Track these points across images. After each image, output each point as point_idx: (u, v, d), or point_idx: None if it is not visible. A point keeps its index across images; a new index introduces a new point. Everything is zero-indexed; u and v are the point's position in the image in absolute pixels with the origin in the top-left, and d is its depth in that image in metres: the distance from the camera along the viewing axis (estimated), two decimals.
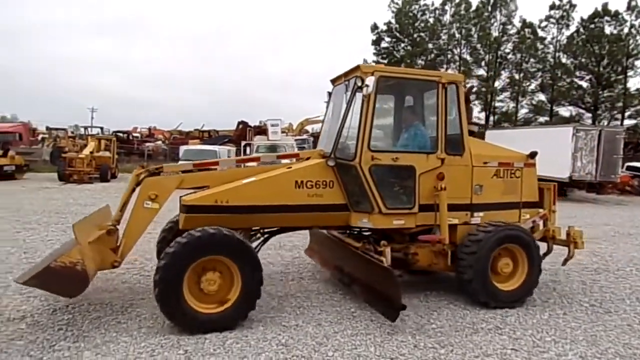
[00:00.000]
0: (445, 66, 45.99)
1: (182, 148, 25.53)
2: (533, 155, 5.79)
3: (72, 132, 36.43)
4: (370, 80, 4.69)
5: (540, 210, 5.83)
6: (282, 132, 26.28)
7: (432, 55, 46.30)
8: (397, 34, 47.00)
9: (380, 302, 4.58)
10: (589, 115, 43.32)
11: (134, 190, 4.73)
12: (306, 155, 5.41)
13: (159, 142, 39.59)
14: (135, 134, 41.53)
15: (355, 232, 5.53)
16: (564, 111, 44.84)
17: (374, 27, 47.24)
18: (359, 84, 4.88)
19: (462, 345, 4.12)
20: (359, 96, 4.90)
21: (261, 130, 31.79)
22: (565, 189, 19.81)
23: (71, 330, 4.14)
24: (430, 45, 46.36)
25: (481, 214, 5.39)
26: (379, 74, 4.93)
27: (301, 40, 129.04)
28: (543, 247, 5.65)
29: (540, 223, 5.85)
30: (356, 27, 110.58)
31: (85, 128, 40.02)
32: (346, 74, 5.36)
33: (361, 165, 4.84)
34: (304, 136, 31.86)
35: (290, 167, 5.08)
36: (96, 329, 4.20)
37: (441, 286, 5.76)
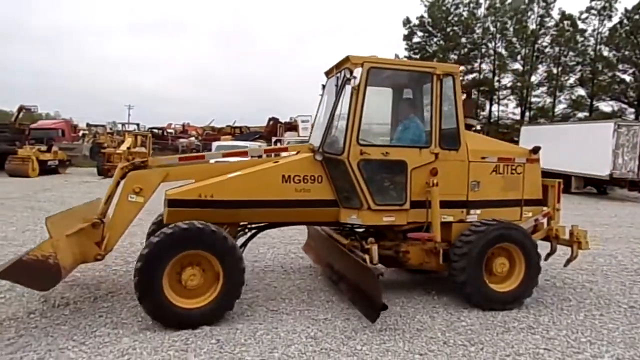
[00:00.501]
0: (479, 60, 44.95)
1: (215, 144, 25.98)
2: (536, 150, 5.55)
3: (111, 129, 37.77)
4: (357, 72, 4.57)
5: (544, 208, 5.56)
6: None
7: (466, 50, 45.30)
8: (430, 29, 46.15)
9: (362, 302, 4.47)
10: (632, 110, 41.39)
11: (119, 183, 4.69)
12: (296, 149, 5.26)
13: (192, 138, 40.44)
14: (169, 130, 42.61)
15: (348, 229, 5.38)
16: (605, 106, 42.90)
17: (406, 22, 46.54)
18: (348, 75, 4.73)
19: (493, 344, 4.07)
20: (348, 88, 4.76)
21: (292, 126, 32.05)
22: (605, 187, 19.07)
23: (110, 317, 4.37)
24: (463, 40, 45.33)
25: (478, 211, 5.19)
26: (369, 65, 4.78)
27: (334, 36, 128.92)
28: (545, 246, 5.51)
29: (544, 222, 5.60)
30: (388, 22, 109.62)
31: (123, 125, 41.46)
32: (337, 66, 5.19)
33: (349, 160, 4.71)
34: None
35: (278, 162, 4.98)
36: (133, 317, 4.38)
37: None
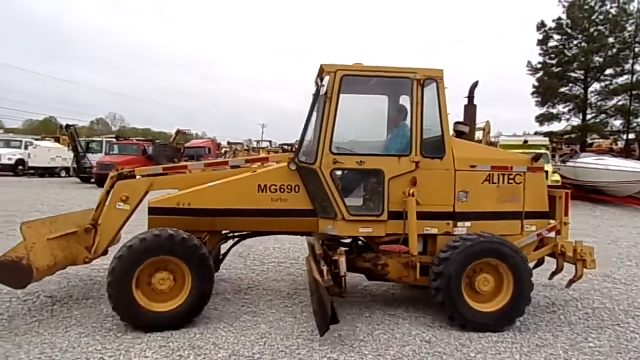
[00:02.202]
0: (631, 61, 39.64)
1: None
2: (537, 158, 5.07)
3: (247, 146, 41.59)
4: (325, 80, 4.58)
5: (552, 222, 5.04)
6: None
7: (614, 51, 40.31)
8: (569, 31, 42.14)
9: (318, 314, 4.30)
10: None
11: (109, 192, 4.95)
12: (277, 159, 5.25)
13: None
14: None
15: (333, 240, 5.19)
16: None
17: (541, 26, 43.21)
18: (319, 83, 4.72)
19: None
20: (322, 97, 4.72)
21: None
22: None
23: (250, 307, 5.09)
24: (611, 40, 40.46)
25: (468, 224, 4.83)
26: (342, 73, 4.70)
27: (469, 44, 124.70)
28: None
29: (551, 236, 5.09)
30: (522, 28, 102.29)
31: (257, 142, 45.29)
32: (318, 74, 5.07)
33: (322, 169, 4.63)
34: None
35: (255, 171, 5.04)
36: (269, 309, 5.04)
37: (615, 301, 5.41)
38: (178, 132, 30.35)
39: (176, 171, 5.22)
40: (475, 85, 5.73)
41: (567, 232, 5.08)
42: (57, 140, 34.32)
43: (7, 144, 30.60)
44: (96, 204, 4.97)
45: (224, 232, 5.18)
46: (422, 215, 4.71)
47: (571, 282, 5.17)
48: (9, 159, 27.63)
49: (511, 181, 4.96)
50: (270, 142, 44.36)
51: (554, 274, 5.28)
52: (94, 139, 34.36)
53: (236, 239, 5.42)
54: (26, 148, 29.44)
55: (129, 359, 3.79)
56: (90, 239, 4.89)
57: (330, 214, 4.73)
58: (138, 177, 5.02)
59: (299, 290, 5.77)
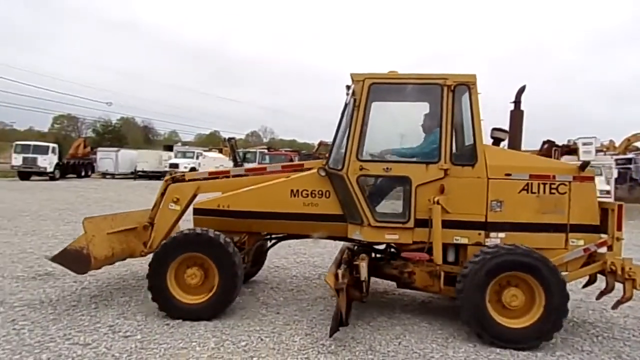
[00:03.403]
0: None
1: None
2: (584, 166, 4.65)
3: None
4: (352, 89, 4.65)
5: (603, 236, 4.61)
6: (599, 150, 23.21)
7: None
8: None
9: (334, 316, 4.31)
10: None
11: (163, 194, 5.45)
12: (311, 165, 5.32)
13: None
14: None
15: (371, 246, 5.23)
16: None
17: None
18: (347, 92, 4.76)
19: None
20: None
21: (570, 149, 28.65)
22: None
23: (386, 310, 5.23)
24: None
25: (502, 234, 4.60)
26: (370, 82, 4.75)
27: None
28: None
29: (602, 252, 4.63)
30: None
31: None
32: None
33: (348, 176, 4.71)
34: (630, 155, 26.63)
35: (289, 177, 5.20)
36: (404, 313, 5.17)
37: None
38: (320, 143, 32.61)
39: (220, 176, 5.63)
40: (522, 89, 5.43)
41: (620, 248, 4.61)
42: (220, 151, 39.43)
43: (184, 155, 36.76)
44: (153, 203, 5.55)
45: (262, 233, 5.48)
46: (451, 224, 4.62)
47: (618, 303, 4.66)
48: (185, 167, 31.93)
49: (553, 191, 4.64)
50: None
51: (602, 293, 4.81)
52: (249, 149, 39.10)
53: (274, 240, 5.73)
54: (197, 158, 34.85)
55: (280, 341, 4.25)
56: (147, 235, 5.40)
57: (357, 220, 4.80)
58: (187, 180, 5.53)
59: (433, 298, 5.79)
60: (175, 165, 33.00)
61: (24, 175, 29.99)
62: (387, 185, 5.02)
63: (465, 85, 4.71)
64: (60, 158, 32.13)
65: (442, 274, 4.69)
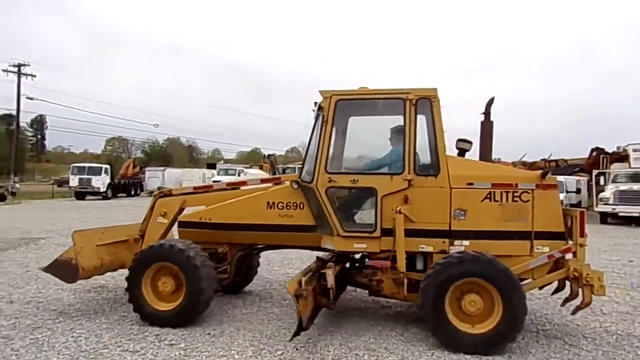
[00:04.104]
0: None
1: None
2: (545, 174, 4.70)
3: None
4: (318, 104, 4.89)
5: (570, 242, 4.63)
6: None
7: None
8: None
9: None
10: None
11: (152, 207, 5.81)
12: (288, 179, 5.50)
13: None
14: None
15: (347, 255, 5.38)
16: None
17: None
18: (314, 108, 4.99)
19: None
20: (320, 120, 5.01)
21: (620, 156, 27.29)
22: None
23: (420, 321, 5.01)
24: None
25: (466, 242, 4.68)
26: (337, 98, 4.98)
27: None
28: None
29: (568, 257, 4.65)
30: None
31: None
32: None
33: (318, 187, 4.92)
34: None
35: (267, 190, 5.46)
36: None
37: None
38: None
39: (204, 190, 5.99)
40: (491, 101, 5.50)
41: (584, 255, 4.60)
42: (261, 167, 40.58)
43: (226, 172, 38.22)
44: (142, 217, 5.93)
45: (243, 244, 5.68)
46: (416, 233, 4.75)
47: (577, 308, 4.64)
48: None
49: (516, 199, 4.68)
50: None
51: (566, 300, 4.79)
52: (289, 165, 39.83)
53: (255, 251, 6.00)
54: (239, 175, 36.08)
55: (315, 350, 4.38)
56: (138, 247, 5.72)
57: (327, 230, 5.00)
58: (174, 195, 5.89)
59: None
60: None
61: (80, 195, 32.04)
62: (354, 197, 5.19)
63: (427, 99, 4.87)
64: (112, 178, 34.18)
65: (405, 281, 4.80)
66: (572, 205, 21.50)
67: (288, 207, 5.24)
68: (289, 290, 4.32)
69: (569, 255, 4.68)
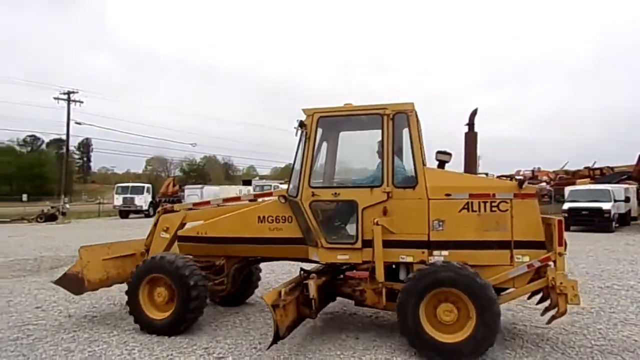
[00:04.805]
0: None
1: (568, 189, 24.26)
2: (521, 183, 4.71)
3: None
4: (303, 122, 5.14)
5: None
6: None
7: None
8: None
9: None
10: None
11: (156, 224, 6.16)
12: (278, 193, 5.66)
13: (543, 184, 38.18)
14: (518, 177, 41.64)
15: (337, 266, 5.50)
16: None
17: None
18: (297, 125, 5.23)
19: None
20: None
21: None
22: None
23: None
24: None
25: (445, 252, 4.75)
26: (318, 115, 5.21)
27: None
28: None
29: (549, 268, 4.60)
30: None
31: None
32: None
33: (302, 201, 5.12)
34: None
35: (258, 205, 5.69)
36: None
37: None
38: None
39: (202, 206, 6.33)
40: (474, 112, 5.54)
41: (563, 263, 4.57)
42: None
43: (262, 188, 38.94)
44: (147, 233, 6.32)
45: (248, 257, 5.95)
46: (396, 244, 4.87)
47: (552, 318, 4.62)
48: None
49: (494, 208, 4.72)
50: (487, 174, 42.30)
51: (546, 309, 4.75)
52: None
53: (251, 264, 6.24)
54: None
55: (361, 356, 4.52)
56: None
57: (313, 242, 5.18)
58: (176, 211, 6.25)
59: (517, 324, 5.77)
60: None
61: (124, 213, 33.59)
62: (337, 210, 5.36)
63: (404, 114, 5.01)
64: (153, 197, 35.61)
65: (384, 291, 4.90)
66: (620, 215, 20.79)
67: (277, 220, 5.45)
68: (266, 301, 4.49)
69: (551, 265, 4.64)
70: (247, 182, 45.74)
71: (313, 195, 5.13)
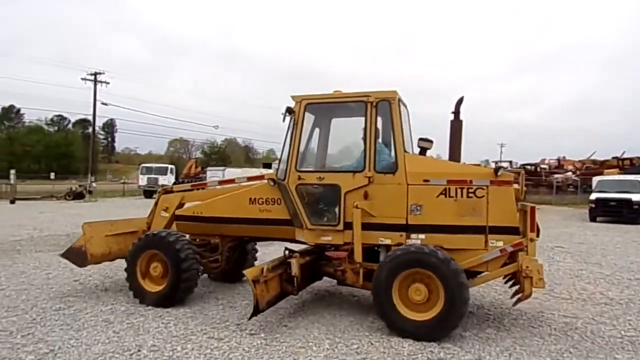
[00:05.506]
0: None
1: (595, 179, 23.70)
2: (497, 170, 4.81)
3: (485, 167, 40.09)
4: (286, 108, 5.34)
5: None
6: None
7: None
8: None
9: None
10: None
11: (157, 203, 6.51)
12: (270, 177, 5.85)
13: (569, 173, 37.34)
14: (543, 166, 40.91)
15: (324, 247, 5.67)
16: None
17: None
18: (284, 111, 5.40)
19: None
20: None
21: None
22: None
23: (494, 322, 5.27)
24: None
25: (422, 236, 4.94)
26: (306, 102, 5.41)
27: None
28: None
29: (521, 253, 4.72)
30: None
31: (495, 162, 43.07)
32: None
33: (289, 185, 5.36)
34: None
35: (250, 187, 5.94)
36: (513, 326, 5.17)
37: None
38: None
39: (200, 187, 6.62)
40: (460, 100, 5.60)
41: (534, 249, 4.70)
42: None
43: None
44: (148, 211, 6.68)
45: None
46: (376, 226, 5.08)
47: (518, 300, 4.77)
48: None
49: (471, 195, 4.86)
50: (511, 162, 41.57)
51: (515, 293, 4.88)
52: None
53: (244, 243, 6.54)
54: None
55: (390, 346, 4.49)
56: None
57: (298, 224, 5.43)
58: (174, 192, 6.59)
59: (544, 312, 5.77)
60: None
61: (148, 193, 34.50)
62: (322, 193, 5.56)
63: (387, 101, 5.15)
64: (176, 178, 36.52)
65: (362, 270, 5.14)
66: None
67: (267, 202, 5.72)
68: (247, 276, 4.79)
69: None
70: (267, 165, 46.05)
71: (299, 179, 5.35)
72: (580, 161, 41.03)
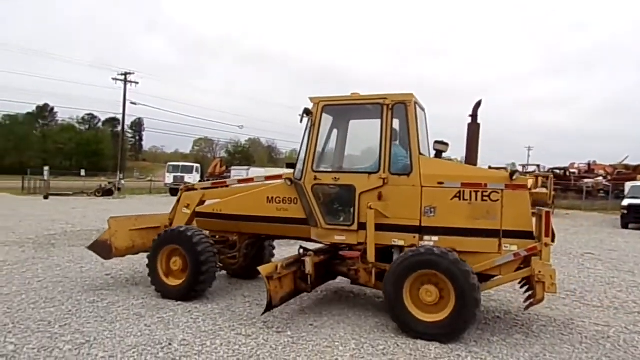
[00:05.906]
0: None
1: (628, 184, 22.98)
2: (512, 174, 4.80)
3: (509, 170, 39.31)
4: (304, 110, 5.45)
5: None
6: None
7: None
8: None
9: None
10: None
11: (179, 200, 6.69)
12: (287, 176, 5.95)
13: (600, 178, 36.27)
14: (572, 170, 39.84)
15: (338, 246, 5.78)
16: None
17: None
18: (301, 112, 5.51)
19: None
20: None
21: None
22: None
23: (522, 328, 5.20)
24: None
25: (435, 238, 4.97)
26: (323, 104, 5.51)
27: None
28: None
29: (534, 258, 4.68)
30: None
31: (523, 166, 42.17)
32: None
33: (305, 185, 5.46)
34: None
35: (268, 186, 6.07)
36: (543, 333, 5.09)
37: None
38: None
39: (220, 185, 6.77)
40: (478, 103, 5.58)
41: (549, 254, 4.67)
42: None
43: None
44: (172, 207, 6.87)
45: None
46: (389, 228, 5.14)
47: (529, 305, 4.74)
48: None
49: (485, 198, 4.86)
50: (539, 165, 40.65)
51: (528, 297, 4.85)
52: None
53: (261, 240, 6.67)
54: None
55: (416, 348, 4.48)
56: None
57: (313, 223, 5.53)
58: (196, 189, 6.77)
59: (575, 320, 5.69)
60: None
61: (174, 191, 35.30)
62: (337, 193, 5.65)
63: (403, 104, 5.20)
64: (201, 176, 37.12)
65: (374, 270, 5.19)
66: None
67: (284, 201, 5.82)
68: (262, 273, 4.91)
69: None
70: (290, 165, 46.39)
71: (315, 179, 5.46)
72: (611, 166, 39.80)
